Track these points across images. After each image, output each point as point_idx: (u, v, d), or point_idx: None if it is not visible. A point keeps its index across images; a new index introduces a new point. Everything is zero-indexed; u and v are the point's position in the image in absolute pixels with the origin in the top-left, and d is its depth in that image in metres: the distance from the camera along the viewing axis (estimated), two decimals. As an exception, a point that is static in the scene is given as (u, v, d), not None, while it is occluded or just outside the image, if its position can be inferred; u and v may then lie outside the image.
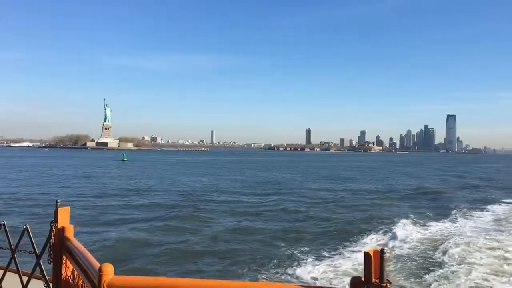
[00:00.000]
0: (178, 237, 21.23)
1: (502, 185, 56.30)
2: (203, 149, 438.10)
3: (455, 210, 32.04)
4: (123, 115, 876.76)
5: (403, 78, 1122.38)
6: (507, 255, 17.86)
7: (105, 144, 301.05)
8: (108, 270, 3.21)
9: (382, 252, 2.67)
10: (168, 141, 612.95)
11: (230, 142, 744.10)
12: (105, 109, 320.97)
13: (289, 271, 15.87)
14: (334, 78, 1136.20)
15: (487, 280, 14.55)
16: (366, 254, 2.72)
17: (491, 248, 19.12)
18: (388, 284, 2.69)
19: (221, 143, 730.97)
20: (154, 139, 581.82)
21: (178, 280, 3.25)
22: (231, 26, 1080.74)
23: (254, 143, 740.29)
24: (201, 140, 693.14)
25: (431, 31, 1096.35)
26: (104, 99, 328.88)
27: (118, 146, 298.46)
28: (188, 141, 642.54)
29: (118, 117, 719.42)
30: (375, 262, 2.73)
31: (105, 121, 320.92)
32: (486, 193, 44.28)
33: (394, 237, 21.94)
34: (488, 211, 32.34)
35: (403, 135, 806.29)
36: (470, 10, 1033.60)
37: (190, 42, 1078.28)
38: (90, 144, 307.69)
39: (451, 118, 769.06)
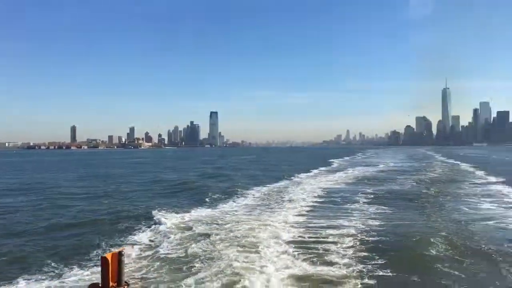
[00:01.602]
0: None
1: (251, 174, 63.59)
2: None
3: (210, 199, 34.62)
4: None
5: (173, 75, 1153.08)
6: (260, 235, 20.28)
7: None
8: None
9: (120, 254, 2.60)
10: None
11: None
12: None
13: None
14: (101, 75, 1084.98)
15: (238, 261, 15.88)
16: (103, 259, 2.58)
17: (246, 231, 21.37)
18: (126, 287, 2.61)
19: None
20: None
21: None
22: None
23: (8, 142, 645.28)
24: None
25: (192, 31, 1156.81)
26: None
27: None
28: None
29: None
30: (112, 265, 2.63)
31: None
32: (238, 182, 49.01)
33: (151, 231, 22.10)
34: (241, 197, 35.87)
35: (171, 131, 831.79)
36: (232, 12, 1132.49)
37: None
38: None
39: (214, 115, 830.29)
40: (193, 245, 18.43)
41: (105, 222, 24.86)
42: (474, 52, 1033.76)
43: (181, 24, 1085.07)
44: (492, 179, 50.24)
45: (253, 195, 36.82)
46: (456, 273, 14.79)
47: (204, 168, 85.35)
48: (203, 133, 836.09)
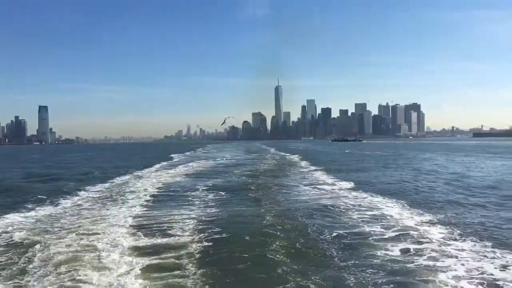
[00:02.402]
0: None
1: (87, 171, 60.65)
2: None
3: (42, 198, 31.40)
4: None
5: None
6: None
7: None
8: None
9: None
10: None
11: None
12: None
13: None
14: None
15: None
16: None
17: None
18: None
19: None
20: None
21: None
22: None
23: None
24: None
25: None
26: None
27: None
28: None
29: None
30: None
31: None
32: (73, 180, 46.12)
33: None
34: (81, 192, 34.51)
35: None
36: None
37: None
38: None
39: (43, 109, 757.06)
40: (31, 237, 18.34)
41: None
42: (302, 53, 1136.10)
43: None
44: (312, 168, 57.94)
45: (93, 190, 35.94)
46: (278, 233, 18.72)
47: (32, 167, 77.96)
48: (31, 130, 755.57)
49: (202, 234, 18.44)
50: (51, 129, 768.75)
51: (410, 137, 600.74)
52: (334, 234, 18.56)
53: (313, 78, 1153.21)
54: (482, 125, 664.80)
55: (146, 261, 14.78)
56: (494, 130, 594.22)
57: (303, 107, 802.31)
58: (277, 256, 15.48)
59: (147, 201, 29.07)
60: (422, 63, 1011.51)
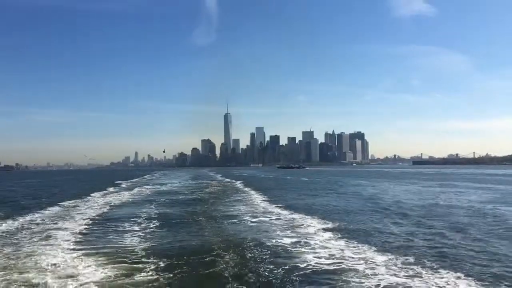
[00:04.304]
0: None
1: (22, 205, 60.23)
2: None
3: None
4: None
5: None
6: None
7: None
8: None
9: None
10: None
11: None
12: None
13: None
14: None
15: None
16: None
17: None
18: None
19: None
20: None
21: None
22: None
23: None
24: None
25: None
26: None
27: None
28: None
29: None
30: None
31: None
32: (16, 206, 47.41)
33: None
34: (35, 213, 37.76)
35: None
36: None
37: None
38: None
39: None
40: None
41: None
42: (251, 81, 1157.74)
43: None
44: (253, 192, 62.99)
45: (40, 214, 37.69)
46: (212, 233, 24.56)
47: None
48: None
49: (147, 243, 22.98)
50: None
51: (354, 165, 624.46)
52: (253, 232, 25.51)
53: (261, 106, 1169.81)
54: (421, 153, 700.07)
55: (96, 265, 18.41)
56: (432, 158, 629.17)
57: (252, 135, 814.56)
58: (210, 239, 22.95)
59: (92, 222, 31.85)
60: (363, 93, 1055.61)
